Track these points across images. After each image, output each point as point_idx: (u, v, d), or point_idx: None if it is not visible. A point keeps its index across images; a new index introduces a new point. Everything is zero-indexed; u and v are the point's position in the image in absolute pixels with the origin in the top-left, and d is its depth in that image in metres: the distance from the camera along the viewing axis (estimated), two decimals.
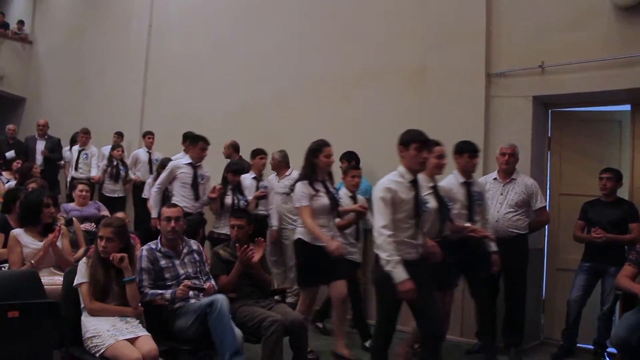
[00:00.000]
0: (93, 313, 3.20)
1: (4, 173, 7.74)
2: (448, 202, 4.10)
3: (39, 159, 8.70)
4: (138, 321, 3.29)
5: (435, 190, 3.94)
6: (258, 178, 6.14)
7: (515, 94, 5.17)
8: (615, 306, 4.53)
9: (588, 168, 5.17)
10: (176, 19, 8.83)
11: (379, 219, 3.25)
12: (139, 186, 7.88)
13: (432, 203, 3.80)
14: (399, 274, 3.17)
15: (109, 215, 5.77)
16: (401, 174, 3.38)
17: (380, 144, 5.58)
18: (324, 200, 4.16)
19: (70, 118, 10.54)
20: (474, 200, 4.36)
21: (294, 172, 6.35)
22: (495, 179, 4.84)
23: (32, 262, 3.82)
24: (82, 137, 8.23)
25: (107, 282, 3.30)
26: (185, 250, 3.81)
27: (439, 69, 5.54)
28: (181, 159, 6.02)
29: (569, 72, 4.91)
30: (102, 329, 3.10)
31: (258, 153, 6.28)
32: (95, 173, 8.09)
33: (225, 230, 5.40)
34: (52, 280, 3.70)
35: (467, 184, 4.38)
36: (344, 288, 4.20)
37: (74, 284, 3.26)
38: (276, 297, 4.68)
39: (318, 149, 4.24)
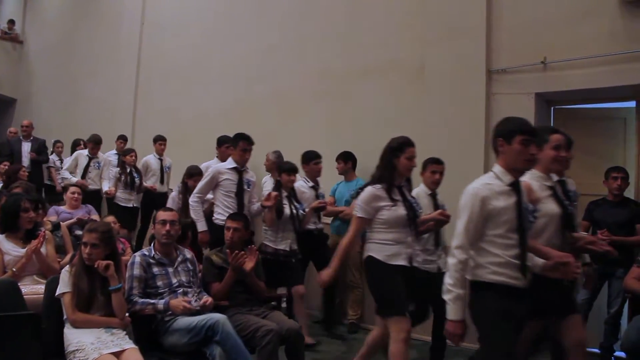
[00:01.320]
0: (76, 325, 3.02)
1: None
2: (573, 204, 3.27)
3: (25, 160, 8.47)
4: (125, 332, 3.11)
5: (554, 191, 3.12)
6: (316, 187, 5.35)
7: (517, 91, 5.03)
8: (622, 309, 4.40)
9: (592, 167, 5.02)
10: (169, 17, 8.68)
11: (456, 236, 2.63)
12: (155, 195, 7.34)
13: (552, 207, 2.99)
14: (455, 310, 2.59)
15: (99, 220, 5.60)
16: (497, 175, 2.69)
17: (378, 144, 5.40)
18: (400, 211, 3.38)
19: (61, 119, 10.41)
20: (572, 201, 3.54)
21: None
22: None
23: (14, 270, 3.63)
24: (91, 148, 7.49)
25: (92, 291, 3.12)
26: (179, 259, 3.65)
27: (439, 66, 5.40)
28: (224, 163, 5.24)
29: (572, 68, 4.77)
30: (85, 341, 2.91)
31: (312, 157, 5.31)
32: (107, 186, 7.28)
33: (283, 245, 4.83)
34: (34, 289, 3.51)
35: (562, 182, 3.63)
36: (408, 324, 3.32)
37: (56, 293, 3.08)
38: (273, 303, 4.52)
39: (399, 148, 3.46)
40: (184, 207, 5.45)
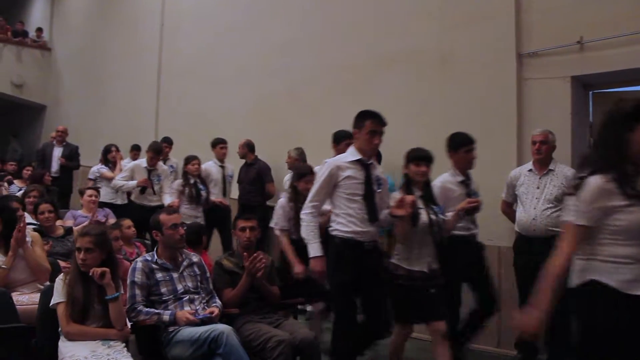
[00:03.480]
0: (70, 337, 2.81)
1: (15, 181, 7.54)
2: None
3: (55, 165, 8.45)
4: (123, 345, 2.89)
5: None
6: (467, 181, 4.03)
7: (551, 75, 4.64)
8: None
9: None
10: (187, 16, 8.60)
11: None
12: (215, 211, 6.29)
13: None
14: None
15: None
16: None
17: (401, 136, 5.11)
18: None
19: (88, 124, 10.46)
20: None
21: None
22: (530, 170, 4.29)
23: (4, 266, 3.43)
24: (150, 158, 6.37)
25: (88, 300, 2.90)
26: (185, 263, 3.43)
27: (465, 52, 5.07)
28: (343, 155, 3.66)
29: (612, 47, 4.35)
30: (79, 355, 2.70)
31: (464, 142, 3.99)
32: (169, 200, 6.09)
33: (420, 266, 3.50)
34: (34, 298, 3.30)
35: None
36: None
37: (51, 304, 2.88)
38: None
39: (636, 116, 2.22)
40: (297, 218, 4.05)
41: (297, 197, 4.30)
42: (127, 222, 5.41)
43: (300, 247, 3.86)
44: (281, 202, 4.51)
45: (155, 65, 8.98)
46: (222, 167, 6.58)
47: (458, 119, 5.03)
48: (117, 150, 7.48)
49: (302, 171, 4.44)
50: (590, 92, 4.84)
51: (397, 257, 3.58)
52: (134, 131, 8.77)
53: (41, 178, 7.22)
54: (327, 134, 6.24)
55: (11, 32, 12.66)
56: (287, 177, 6.07)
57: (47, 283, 3.44)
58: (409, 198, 3.33)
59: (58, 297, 2.88)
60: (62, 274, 3.01)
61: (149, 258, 3.34)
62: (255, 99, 7.22)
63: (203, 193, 6.16)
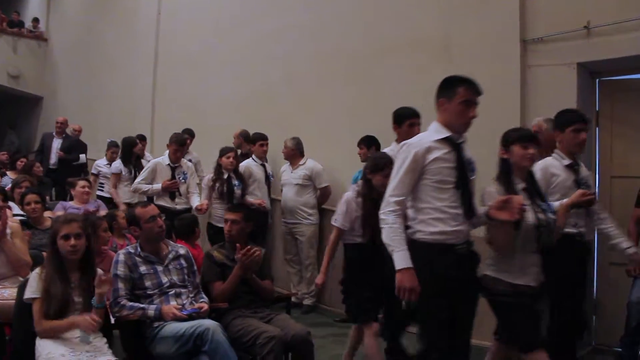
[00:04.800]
0: (43, 335, 2.65)
1: (8, 172, 7.39)
2: None
3: (54, 157, 8.33)
4: (104, 341, 2.73)
5: None
6: (575, 166, 3.36)
7: (556, 62, 4.46)
8: None
9: None
10: (184, 6, 8.43)
11: None
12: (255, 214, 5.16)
13: None
14: None
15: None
16: None
17: None
18: None
19: (84, 115, 10.29)
20: None
21: (309, 161, 5.79)
22: None
23: None
24: (174, 151, 5.57)
25: (67, 296, 2.74)
26: (170, 256, 3.28)
27: (467, 39, 4.88)
28: (426, 134, 2.82)
29: (620, 32, 4.16)
30: (55, 353, 2.55)
31: (572, 121, 3.37)
32: (197, 201, 5.42)
33: (525, 279, 2.77)
34: (14, 293, 3.15)
35: None
36: None
37: (24, 297, 2.72)
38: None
39: None
40: (366, 217, 3.48)
41: (370, 193, 3.51)
42: (120, 213, 5.27)
43: (365, 254, 3.47)
44: (347, 196, 3.70)
45: (151, 55, 8.81)
46: (263, 165, 5.94)
47: None
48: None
49: (380, 162, 3.52)
50: (597, 80, 4.68)
51: (492, 268, 2.83)
52: (130, 121, 8.64)
53: (31, 169, 7.08)
54: (325, 123, 6.13)
55: (7, 22, 12.47)
56: (284, 168, 5.95)
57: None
58: (518, 199, 2.62)
59: (32, 292, 2.72)
60: (38, 267, 2.85)
61: (132, 250, 3.19)
62: (251, 88, 7.04)
63: (237, 190, 5.43)
